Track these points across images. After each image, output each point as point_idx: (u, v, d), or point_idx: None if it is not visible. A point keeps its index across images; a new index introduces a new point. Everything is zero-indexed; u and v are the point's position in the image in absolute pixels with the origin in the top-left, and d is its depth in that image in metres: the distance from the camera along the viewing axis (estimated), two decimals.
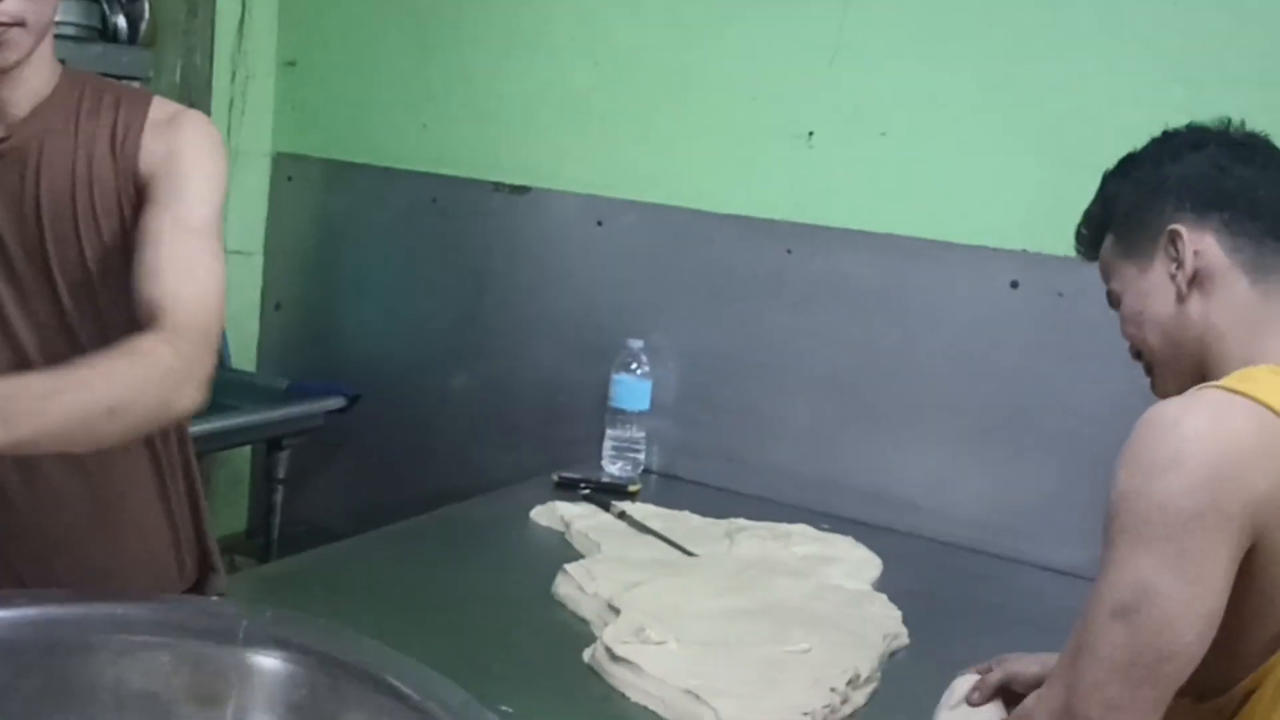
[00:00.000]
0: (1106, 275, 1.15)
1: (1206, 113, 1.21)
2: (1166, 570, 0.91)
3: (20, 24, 1.18)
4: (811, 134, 2.17)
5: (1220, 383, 0.98)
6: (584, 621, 1.53)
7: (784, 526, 1.92)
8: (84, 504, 1.25)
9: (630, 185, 2.35)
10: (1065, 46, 1.95)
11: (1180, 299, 1.07)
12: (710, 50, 2.25)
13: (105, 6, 2.62)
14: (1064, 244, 1.92)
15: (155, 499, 1.30)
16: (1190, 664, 0.93)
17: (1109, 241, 1.14)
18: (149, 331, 1.14)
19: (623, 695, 1.35)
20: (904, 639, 1.58)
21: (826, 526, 1.98)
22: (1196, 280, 1.06)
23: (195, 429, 1.43)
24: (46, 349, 1.25)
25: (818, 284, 2.17)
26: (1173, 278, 1.07)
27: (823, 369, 2.18)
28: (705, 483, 2.26)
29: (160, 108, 1.31)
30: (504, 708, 1.24)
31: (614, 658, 1.37)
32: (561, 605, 1.59)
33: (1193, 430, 0.93)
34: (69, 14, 2.52)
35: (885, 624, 1.57)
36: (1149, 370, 1.14)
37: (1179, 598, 0.91)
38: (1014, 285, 2.02)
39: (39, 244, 1.26)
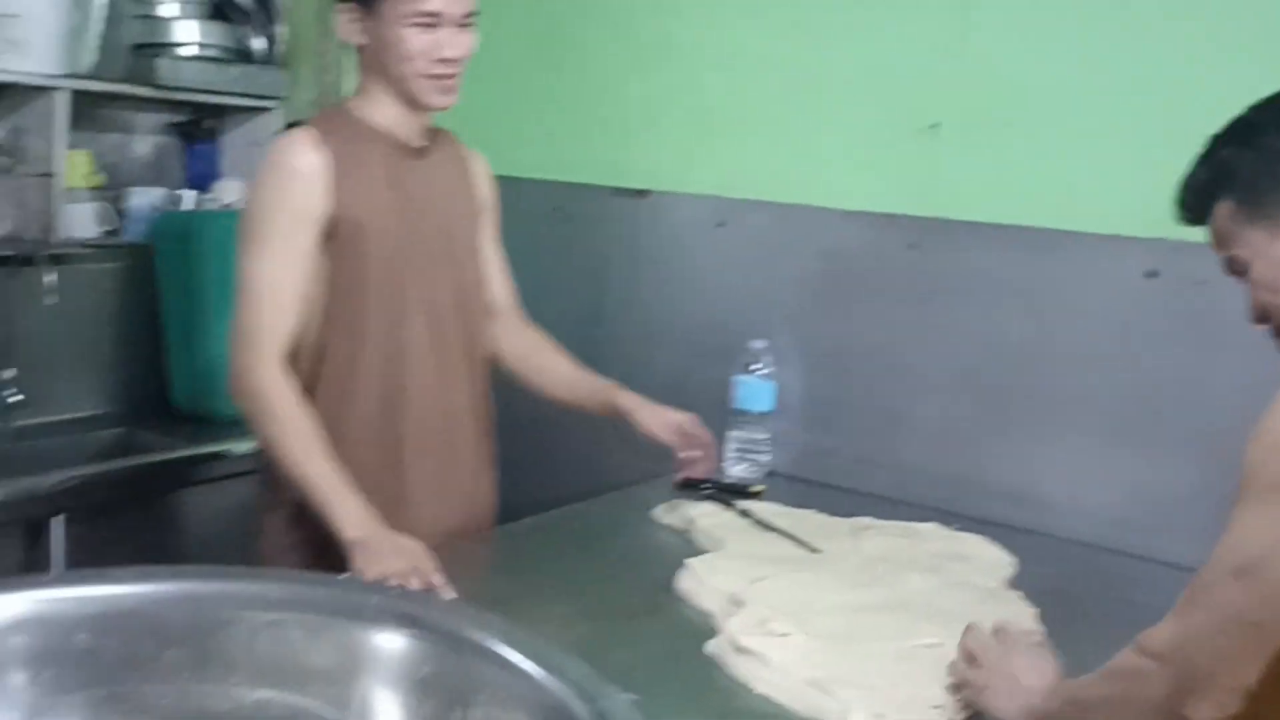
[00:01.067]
0: (1224, 242, 1.14)
1: None
2: None
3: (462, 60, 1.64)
4: (938, 125, 2.12)
5: None
6: (707, 615, 1.51)
7: (913, 525, 1.88)
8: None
9: (752, 185, 2.34)
10: (1201, 25, 1.86)
11: None
12: (834, 46, 2.23)
13: (244, 31, 2.74)
14: (1204, 231, 1.88)
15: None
16: None
17: (1226, 208, 1.12)
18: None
19: (747, 687, 1.33)
20: (1039, 637, 1.51)
21: (958, 526, 1.92)
22: None
23: None
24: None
25: (945, 278, 2.12)
26: None
27: (952, 366, 2.13)
28: (832, 484, 2.22)
29: None
30: (629, 694, 1.23)
31: (738, 649, 1.35)
32: (684, 600, 1.57)
33: None
34: (212, 37, 2.65)
35: (1019, 621, 1.51)
36: (1278, 333, 1.15)
37: None
38: (1152, 275, 1.93)
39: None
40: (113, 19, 2.42)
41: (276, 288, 1.60)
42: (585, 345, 2.56)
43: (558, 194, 2.54)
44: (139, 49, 2.52)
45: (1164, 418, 1.92)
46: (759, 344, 2.24)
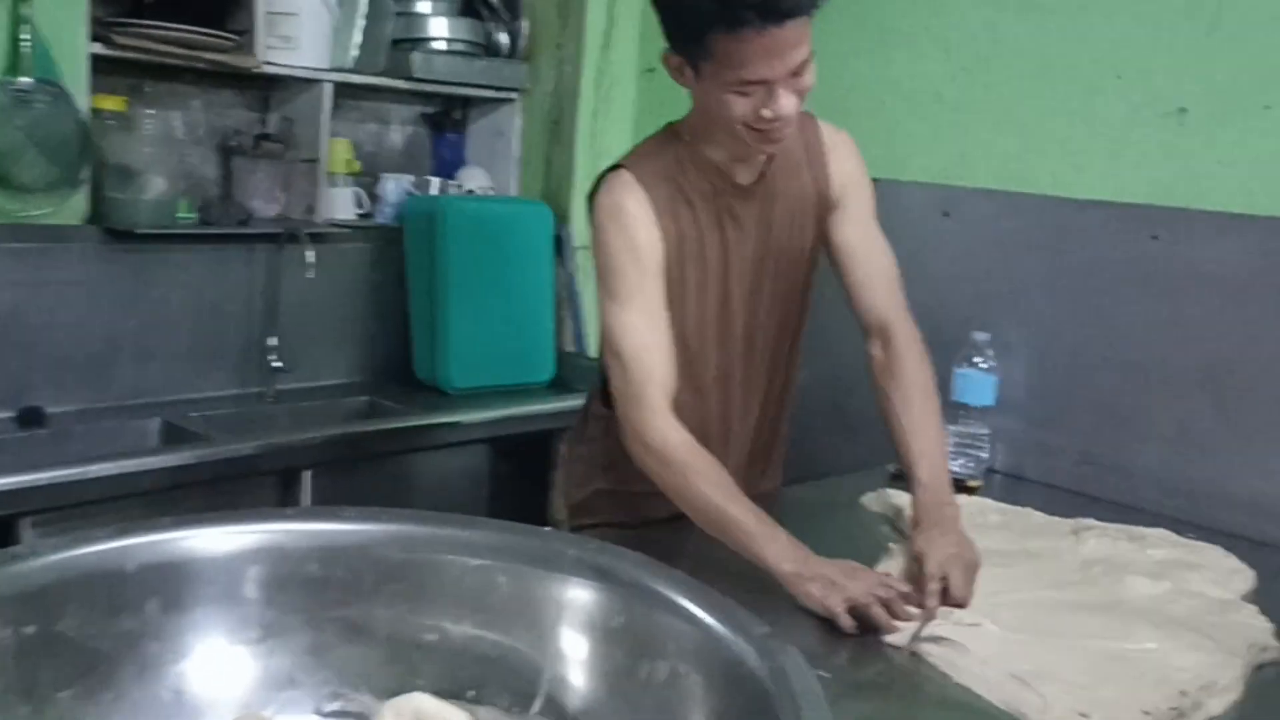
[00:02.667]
0: None
1: None
2: None
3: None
4: (1184, 111, 2.00)
5: None
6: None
7: (1140, 530, 1.78)
8: None
9: (982, 174, 2.28)
10: None
11: None
12: (1071, 29, 2.14)
13: (490, 25, 2.88)
14: None
15: None
16: None
17: None
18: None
19: (941, 674, 1.31)
20: (1276, 653, 1.41)
21: (1192, 536, 1.81)
22: None
23: None
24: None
25: (1187, 272, 2.00)
26: None
27: (1192, 365, 2.00)
28: (1054, 484, 2.14)
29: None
30: (821, 673, 1.24)
31: (933, 637, 1.33)
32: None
33: None
34: (460, 32, 2.80)
35: (1252, 634, 1.42)
36: None
37: None
38: None
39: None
40: (374, 16, 2.61)
41: (644, 341, 1.55)
42: (805, 336, 2.56)
43: None
44: (396, 44, 2.70)
45: None
46: (982, 336, 2.17)
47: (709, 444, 1.58)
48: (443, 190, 2.88)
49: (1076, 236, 2.13)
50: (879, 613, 1.35)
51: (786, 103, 1.45)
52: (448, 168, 2.98)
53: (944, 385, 2.21)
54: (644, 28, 2.93)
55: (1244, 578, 1.66)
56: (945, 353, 2.22)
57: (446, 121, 3.01)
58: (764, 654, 0.87)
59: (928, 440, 1.62)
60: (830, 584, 1.38)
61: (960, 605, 1.41)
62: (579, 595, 1.04)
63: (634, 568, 1.02)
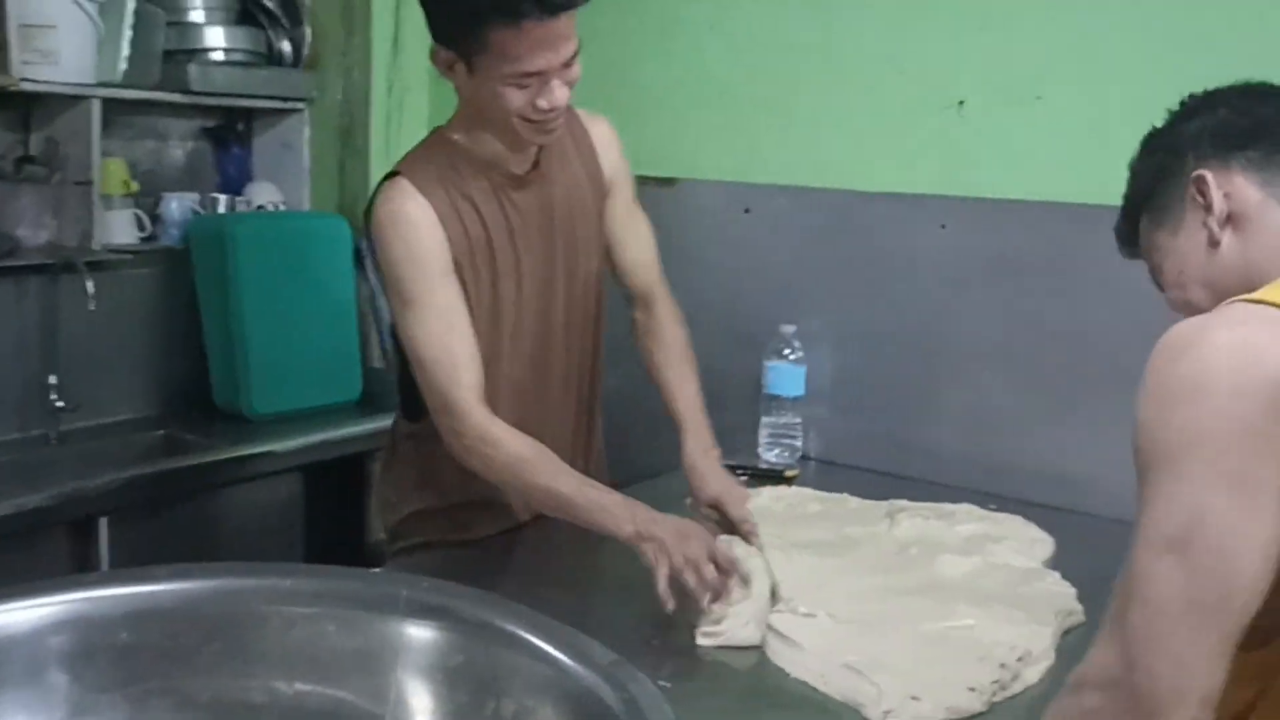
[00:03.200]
0: (1148, 257, 1.13)
1: None
2: (1212, 493, 0.83)
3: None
4: (963, 103, 2.10)
5: (1246, 295, 0.91)
6: None
7: (948, 506, 1.87)
8: None
9: (777, 170, 2.33)
10: None
11: (1214, 244, 1.04)
12: (852, 25, 2.22)
13: (270, 34, 2.76)
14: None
15: None
16: (1255, 599, 0.83)
17: (1144, 224, 1.12)
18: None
19: (780, 670, 1.33)
20: (1079, 616, 1.51)
21: (994, 507, 1.91)
22: (1231, 221, 1.03)
23: None
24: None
25: (975, 258, 2.10)
26: (1205, 225, 1.04)
27: (985, 345, 2.11)
28: (865, 467, 2.21)
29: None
30: (662, 682, 1.24)
31: (771, 630, 1.35)
32: None
33: (1212, 348, 0.86)
34: (239, 41, 2.67)
35: (1058, 601, 1.51)
36: None
37: (1232, 521, 0.82)
38: None
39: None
40: (142, 27, 2.45)
41: (443, 345, 1.56)
42: (614, 336, 2.57)
43: None
44: (170, 56, 2.55)
45: None
46: (789, 329, 2.23)
47: None
48: (231, 208, 2.75)
49: (869, 228, 2.22)
50: (692, 583, 1.40)
51: (560, 94, 1.51)
52: (234, 184, 2.84)
53: (755, 379, 2.27)
54: None
55: (1044, 545, 1.76)
56: (755, 347, 2.28)
57: (230, 135, 2.87)
58: (614, 684, 0.87)
59: (690, 394, 1.81)
60: (662, 548, 1.42)
61: (744, 521, 1.62)
62: (415, 637, 1.00)
63: (472, 604, 1.00)
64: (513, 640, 0.95)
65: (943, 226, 2.13)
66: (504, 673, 0.95)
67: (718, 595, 1.41)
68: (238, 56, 2.67)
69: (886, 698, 1.23)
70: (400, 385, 1.75)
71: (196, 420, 2.57)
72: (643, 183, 2.48)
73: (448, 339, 1.56)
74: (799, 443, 2.24)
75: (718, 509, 1.67)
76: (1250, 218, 1.03)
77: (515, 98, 1.49)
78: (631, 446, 2.02)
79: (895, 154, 2.19)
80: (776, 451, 2.23)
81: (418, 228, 1.55)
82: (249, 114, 2.85)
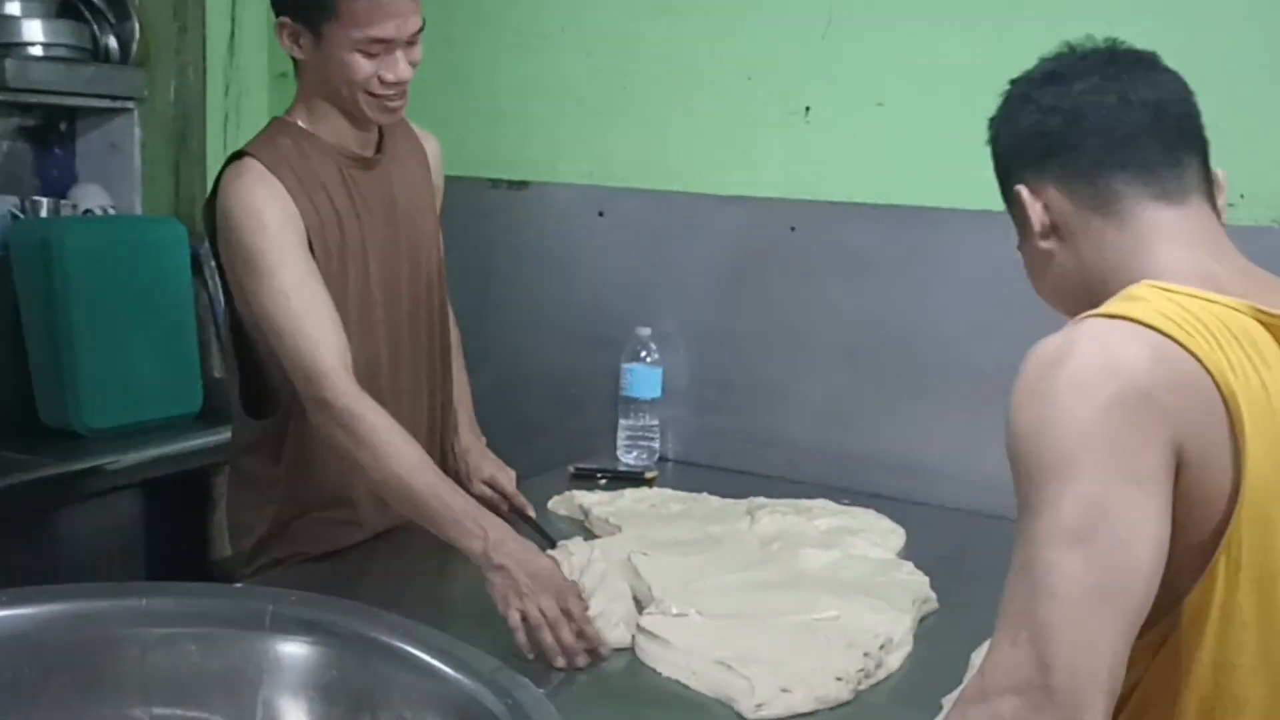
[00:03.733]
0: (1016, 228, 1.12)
1: (1207, 56, 1.18)
2: (1110, 485, 0.86)
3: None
4: (809, 109, 2.16)
5: (1096, 311, 0.95)
6: None
7: (805, 502, 1.91)
8: None
9: (630, 173, 2.34)
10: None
11: (1051, 254, 1.05)
12: (701, 32, 2.25)
13: (95, 28, 2.62)
14: None
15: None
16: (1152, 585, 0.87)
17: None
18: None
19: (653, 669, 1.34)
20: (934, 603, 1.56)
21: (848, 501, 1.97)
22: (1057, 233, 1.04)
23: None
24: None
25: (823, 259, 2.16)
26: (1034, 236, 1.06)
27: (834, 344, 2.17)
28: (723, 466, 2.25)
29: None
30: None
31: (640, 631, 1.36)
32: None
33: (1085, 357, 0.90)
34: (60, 36, 2.53)
35: (914, 589, 1.56)
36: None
37: (1129, 511, 0.86)
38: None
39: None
40: None
41: (303, 315, 1.52)
42: (471, 342, 2.52)
43: None
44: None
45: None
46: (645, 331, 2.25)
47: None
48: (55, 212, 2.59)
49: (721, 230, 2.25)
50: (549, 643, 1.34)
51: (404, 68, 1.56)
52: (58, 187, 2.68)
53: (613, 381, 2.28)
54: (271, 32, 2.77)
55: (897, 536, 1.82)
56: (611, 349, 2.28)
57: (51, 135, 2.70)
58: (497, 691, 0.85)
59: (463, 387, 1.92)
60: (514, 586, 1.36)
61: (516, 495, 1.75)
62: (284, 654, 0.97)
63: (343, 616, 0.97)
64: (389, 652, 0.92)
65: (792, 229, 2.18)
66: (381, 686, 0.92)
67: (572, 660, 1.35)
68: (59, 52, 2.52)
69: (758, 691, 1.25)
70: (242, 383, 1.69)
71: (20, 438, 2.40)
72: (495, 186, 2.49)
73: (310, 306, 1.53)
74: (656, 444, 2.26)
75: (492, 485, 1.80)
76: (1072, 228, 1.03)
77: (362, 66, 1.53)
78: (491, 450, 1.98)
79: (745, 158, 2.23)
80: (635, 454, 2.24)
81: (270, 201, 1.54)
82: (72, 113, 2.70)
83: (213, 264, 2.48)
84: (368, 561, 1.69)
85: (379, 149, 1.70)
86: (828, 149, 2.15)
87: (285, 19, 1.57)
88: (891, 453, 2.12)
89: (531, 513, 1.74)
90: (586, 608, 1.39)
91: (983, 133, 2.00)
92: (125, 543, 2.30)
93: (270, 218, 1.53)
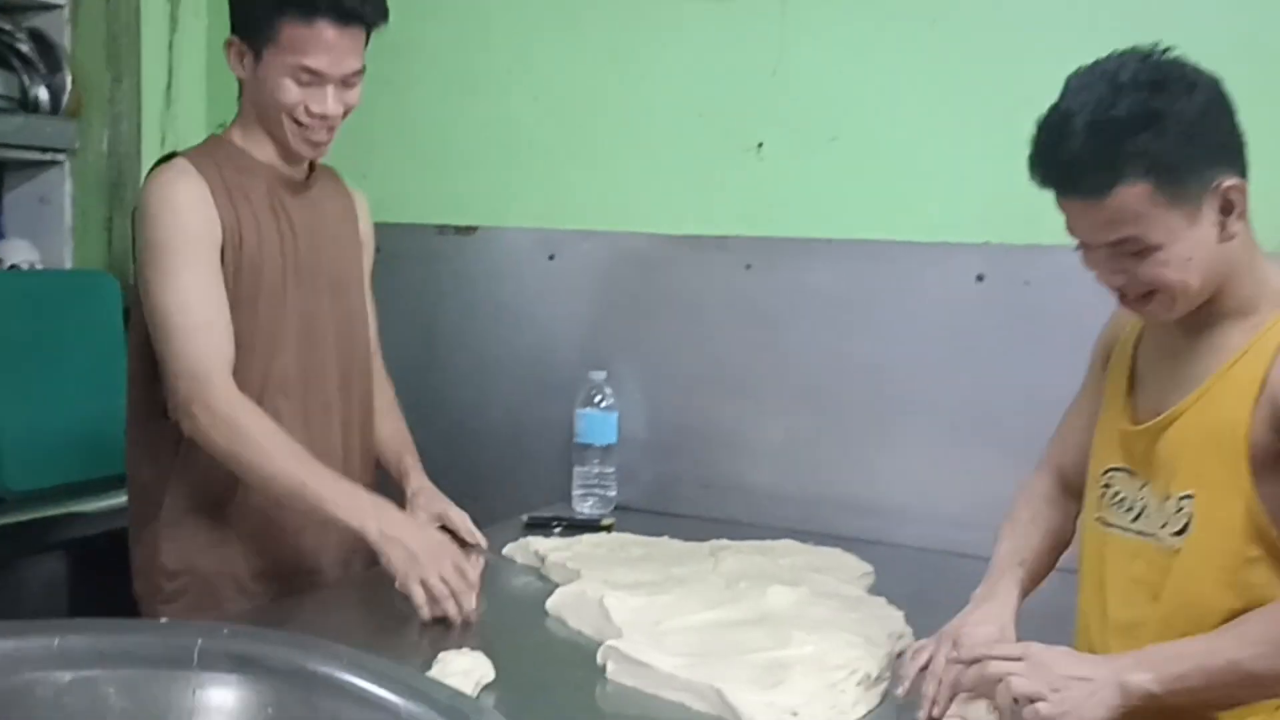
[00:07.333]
0: (1126, 222, 1.15)
1: None
2: None
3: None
4: (761, 145, 2.13)
5: None
6: (575, 643, 1.46)
7: (769, 543, 1.84)
8: None
9: (580, 215, 2.30)
10: (1010, 33, 1.93)
11: (1228, 238, 1.17)
12: (650, 72, 2.23)
13: (25, 78, 2.55)
14: (1027, 232, 1.93)
15: None
16: None
17: (1140, 191, 1.13)
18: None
19: (639, 690, 1.27)
20: (909, 639, 1.48)
21: (812, 542, 1.90)
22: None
23: None
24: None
25: (780, 297, 2.12)
26: (1221, 224, 1.16)
27: (793, 384, 2.12)
28: (682, 513, 2.16)
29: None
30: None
31: (614, 652, 1.29)
32: (562, 622, 1.53)
33: None
34: None
35: (889, 624, 1.49)
36: (1145, 299, 1.20)
37: None
38: (979, 279, 1.98)
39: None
40: None
41: (198, 317, 1.54)
42: (419, 392, 2.44)
43: (379, 235, 2.38)
44: None
45: (1000, 416, 1.94)
46: (599, 375, 2.18)
47: None
48: None
49: (676, 270, 2.20)
50: (454, 611, 1.46)
51: (333, 104, 1.59)
52: None
53: (567, 428, 2.20)
54: (209, 84, 2.71)
55: (865, 572, 1.76)
56: (565, 395, 2.21)
57: None
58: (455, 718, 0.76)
59: (408, 436, 1.87)
60: (410, 558, 1.46)
61: (471, 533, 1.69)
62: (215, 694, 0.87)
63: (282, 650, 0.88)
64: (331, 685, 0.83)
65: (748, 267, 2.14)
66: None
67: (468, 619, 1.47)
68: None
69: (765, 712, 1.18)
70: (131, 429, 1.67)
71: None
72: (442, 231, 2.42)
73: (205, 310, 1.54)
74: (613, 492, 2.18)
75: (444, 524, 1.71)
76: (1243, 223, 1.18)
77: (291, 92, 1.57)
78: None
79: (698, 197, 2.19)
80: (591, 502, 2.16)
81: (189, 200, 1.56)
82: (1, 164, 2.61)
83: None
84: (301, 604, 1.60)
85: (310, 177, 1.72)
86: (782, 185, 2.12)
87: (234, 38, 1.62)
88: (855, 494, 2.06)
89: (485, 545, 1.69)
90: (481, 570, 1.52)
91: (936, 165, 2.01)
92: (49, 606, 2.17)
93: (187, 216, 1.55)
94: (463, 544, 1.64)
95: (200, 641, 0.88)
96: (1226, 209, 1.16)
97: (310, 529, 1.65)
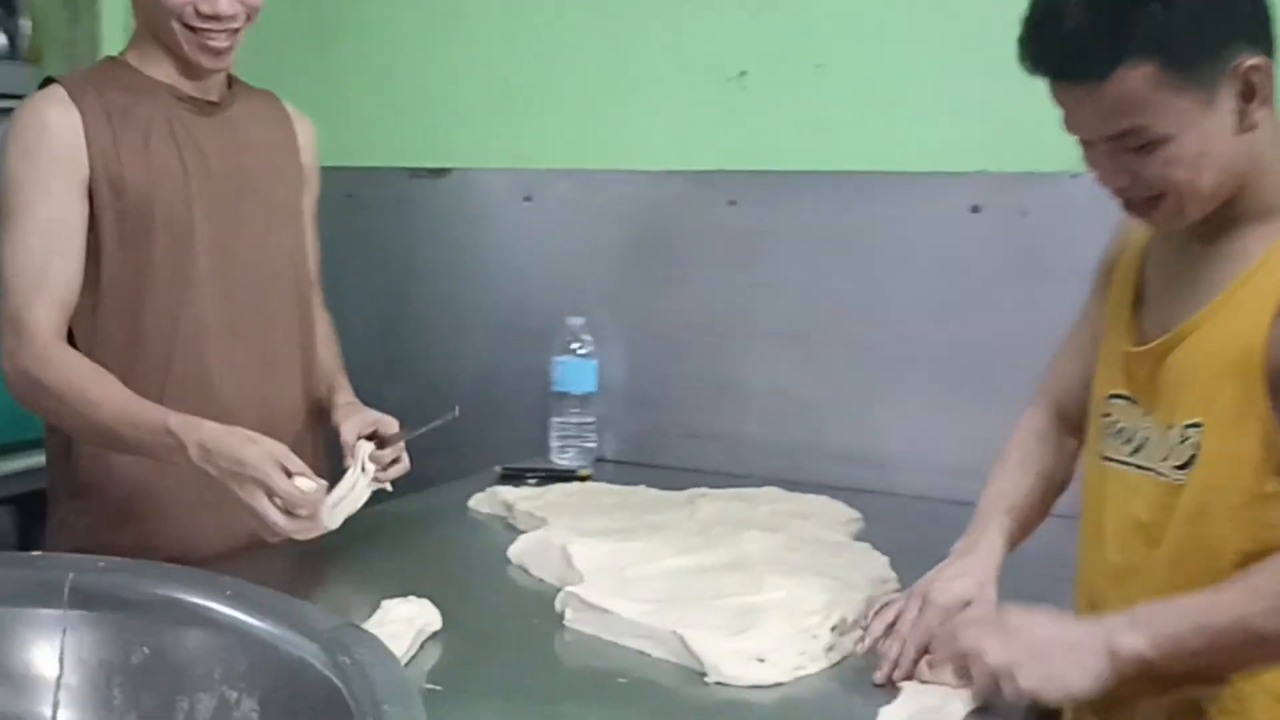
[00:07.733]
0: (1132, 110, 1.00)
1: None
2: None
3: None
4: (744, 74, 2.01)
5: None
6: (538, 591, 1.37)
7: (750, 490, 1.74)
8: None
9: (557, 154, 2.18)
10: None
11: (1249, 128, 1.02)
12: (628, 3, 2.10)
13: None
14: (1025, 160, 1.81)
15: None
16: None
17: (1146, 73, 0.99)
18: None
19: (598, 638, 1.18)
20: (894, 584, 1.38)
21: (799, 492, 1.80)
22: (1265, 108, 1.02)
23: None
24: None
25: (766, 234, 2.00)
26: (1241, 113, 1.01)
27: (781, 328, 2.01)
28: (665, 464, 2.06)
29: None
30: (429, 685, 1.05)
31: (574, 598, 1.20)
32: (513, 580, 1.44)
33: None
34: None
35: (871, 569, 1.38)
36: (1152, 204, 1.05)
37: None
38: (975, 210, 1.86)
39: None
40: None
41: (34, 262, 1.40)
42: (391, 342, 2.35)
43: (348, 180, 2.30)
44: None
45: (996, 357, 1.82)
46: (577, 321, 2.07)
47: (188, 408, 1.39)
48: None
49: (657, 209, 2.09)
50: (272, 514, 1.32)
51: (226, 2, 1.42)
52: None
53: (544, 376, 2.10)
54: None
55: (851, 519, 1.66)
56: (542, 342, 2.10)
57: None
58: (336, 650, 0.67)
59: (340, 362, 1.71)
60: (236, 479, 1.31)
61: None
62: (85, 633, 0.77)
63: (156, 582, 0.78)
64: (209, 620, 0.74)
65: (732, 203, 2.02)
66: (201, 662, 0.73)
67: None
68: None
69: (726, 659, 1.09)
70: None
71: None
72: (414, 175, 2.31)
73: (44, 259, 1.40)
74: (594, 444, 2.08)
75: (376, 434, 1.56)
76: (1270, 111, 1.03)
77: None
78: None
79: (679, 130, 2.07)
80: (570, 454, 2.06)
81: (51, 133, 1.41)
82: None
83: None
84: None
85: (224, 99, 1.55)
86: (766, 116, 2.00)
87: None
88: (844, 440, 1.95)
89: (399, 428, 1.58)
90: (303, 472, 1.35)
91: (928, 91, 1.89)
92: None
93: (43, 150, 1.41)
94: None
95: (72, 575, 0.79)
96: (1248, 94, 1.00)
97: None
